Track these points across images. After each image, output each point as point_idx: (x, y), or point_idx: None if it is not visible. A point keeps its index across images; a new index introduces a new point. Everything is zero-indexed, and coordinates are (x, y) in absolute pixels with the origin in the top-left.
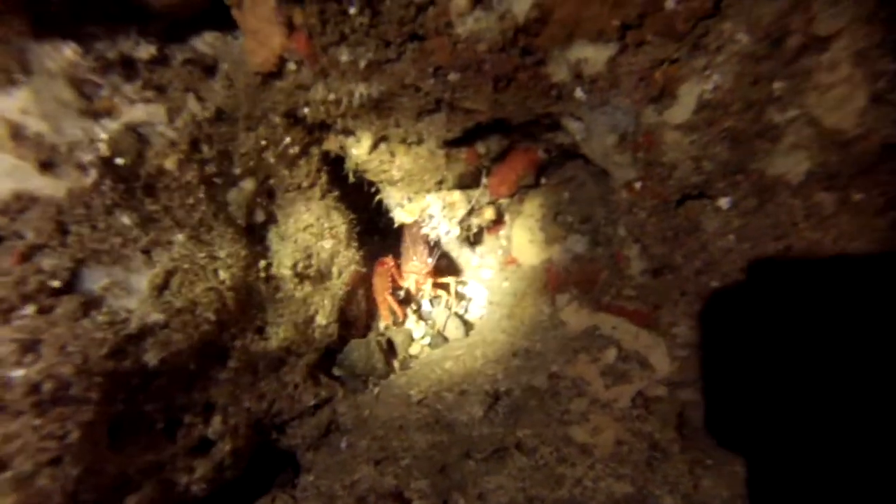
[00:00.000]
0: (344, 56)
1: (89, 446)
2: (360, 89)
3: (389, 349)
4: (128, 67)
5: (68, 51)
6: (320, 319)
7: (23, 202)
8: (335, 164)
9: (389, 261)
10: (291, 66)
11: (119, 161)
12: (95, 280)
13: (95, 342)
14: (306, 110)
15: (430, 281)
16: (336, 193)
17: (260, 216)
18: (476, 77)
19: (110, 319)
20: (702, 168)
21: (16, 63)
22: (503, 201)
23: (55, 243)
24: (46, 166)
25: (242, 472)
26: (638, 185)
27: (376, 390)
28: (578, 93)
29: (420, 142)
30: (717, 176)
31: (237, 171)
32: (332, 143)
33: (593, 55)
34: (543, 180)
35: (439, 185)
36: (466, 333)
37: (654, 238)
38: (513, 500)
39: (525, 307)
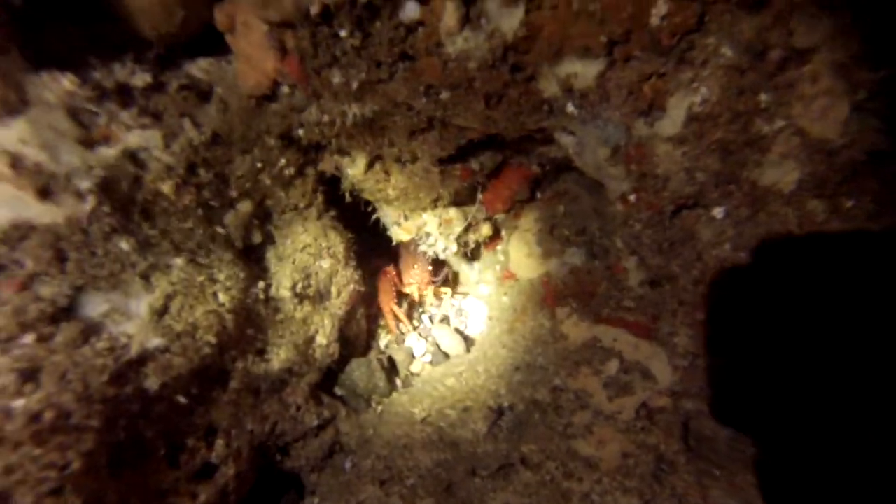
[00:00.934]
0: (336, 78)
1: (90, 475)
2: (354, 109)
3: (391, 367)
4: (124, 95)
5: (66, 81)
6: (321, 339)
7: (21, 231)
8: (331, 185)
9: (392, 270)
10: (285, 89)
11: (116, 187)
12: (95, 306)
13: (95, 369)
14: (301, 132)
15: (431, 289)
16: (333, 213)
17: (257, 237)
18: (467, 95)
19: (110, 345)
20: (694, 179)
21: (14, 94)
22: (499, 217)
23: (54, 271)
24: (44, 194)
25: (247, 496)
26: (632, 197)
27: (379, 409)
28: (570, 107)
29: (414, 160)
30: (710, 186)
31: (233, 193)
32: (327, 164)
33: (582, 70)
34: (538, 195)
35: (435, 202)
36: (467, 350)
37: (650, 249)
38: None
39: (525, 321)
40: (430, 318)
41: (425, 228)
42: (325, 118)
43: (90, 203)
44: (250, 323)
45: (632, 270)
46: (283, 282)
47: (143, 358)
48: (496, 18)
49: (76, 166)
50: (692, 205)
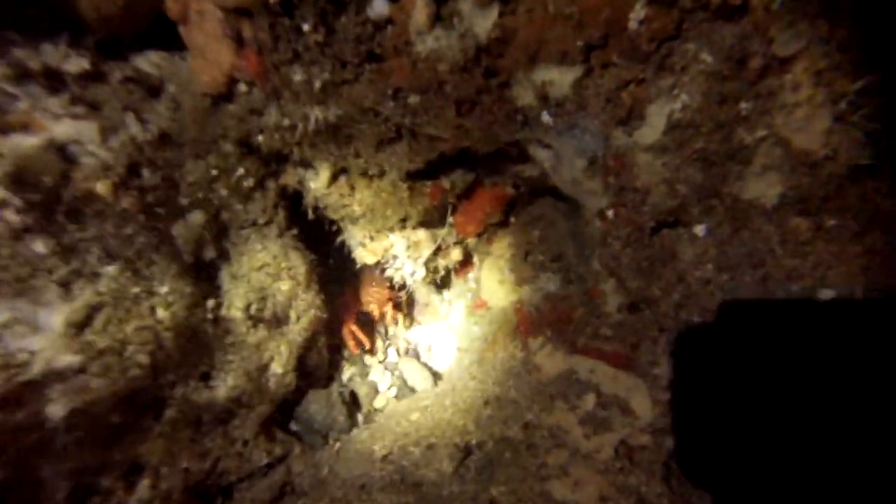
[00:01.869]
0: (297, 76)
1: None
2: (316, 113)
3: (352, 402)
4: (53, 80)
5: None
6: (276, 367)
7: None
8: (293, 201)
9: (350, 291)
10: (242, 87)
11: (33, 181)
12: None
13: None
14: (260, 138)
15: (390, 306)
16: (294, 232)
17: (210, 253)
18: (438, 99)
19: (3, 363)
20: (676, 192)
21: None
22: (471, 241)
23: None
24: None
25: None
26: (610, 213)
27: (336, 446)
28: (545, 117)
29: (382, 174)
30: (691, 200)
31: (184, 201)
32: (289, 177)
33: (559, 77)
34: (512, 219)
35: (403, 222)
36: (435, 383)
37: (629, 270)
38: None
39: (496, 351)
40: (397, 351)
41: (392, 250)
42: (286, 122)
43: None
44: (195, 344)
45: (610, 294)
46: (235, 301)
47: (48, 378)
48: (469, 18)
49: None
50: (673, 222)
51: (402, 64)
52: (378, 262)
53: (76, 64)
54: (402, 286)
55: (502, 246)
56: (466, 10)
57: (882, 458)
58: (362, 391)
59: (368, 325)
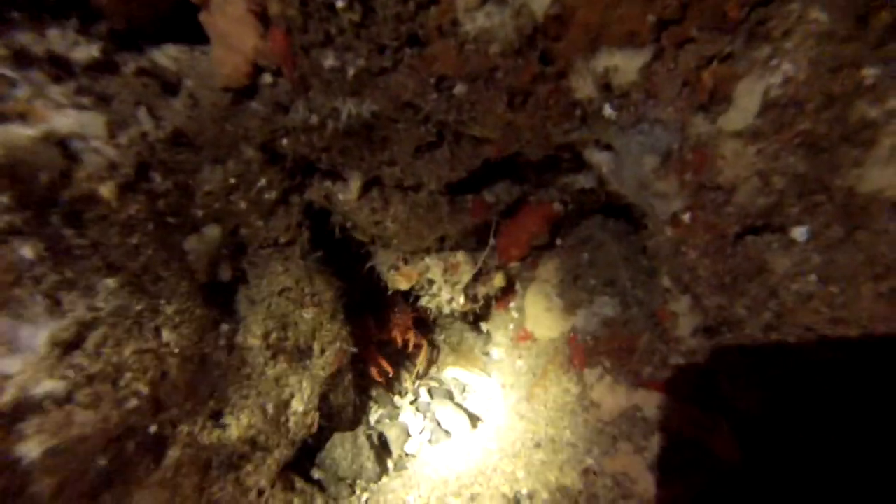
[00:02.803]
0: (329, 61)
1: None
2: (349, 107)
3: (381, 446)
4: (58, 68)
5: None
6: (297, 405)
7: None
8: (319, 219)
9: (370, 319)
10: (267, 77)
11: (27, 177)
12: None
13: None
14: (285, 142)
15: (412, 332)
16: (319, 255)
17: (226, 273)
18: (487, 90)
19: None
20: (770, 186)
21: None
22: (514, 266)
23: None
24: None
25: None
26: (686, 216)
27: (364, 498)
28: (607, 110)
29: (418, 186)
30: (790, 196)
31: (199, 212)
32: (315, 192)
33: (624, 63)
34: (558, 241)
35: (440, 242)
36: (473, 426)
37: (708, 285)
38: None
39: (546, 387)
40: (430, 392)
41: (427, 275)
42: (314, 119)
43: None
44: (205, 375)
45: (682, 315)
46: (253, 328)
47: (22, 409)
48: None
49: None
50: (763, 226)
51: (448, 47)
52: (412, 289)
53: (85, 52)
54: (437, 317)
55: (548, 270)
56: None
57: None
58: (392, 434)
59: (392, 356)
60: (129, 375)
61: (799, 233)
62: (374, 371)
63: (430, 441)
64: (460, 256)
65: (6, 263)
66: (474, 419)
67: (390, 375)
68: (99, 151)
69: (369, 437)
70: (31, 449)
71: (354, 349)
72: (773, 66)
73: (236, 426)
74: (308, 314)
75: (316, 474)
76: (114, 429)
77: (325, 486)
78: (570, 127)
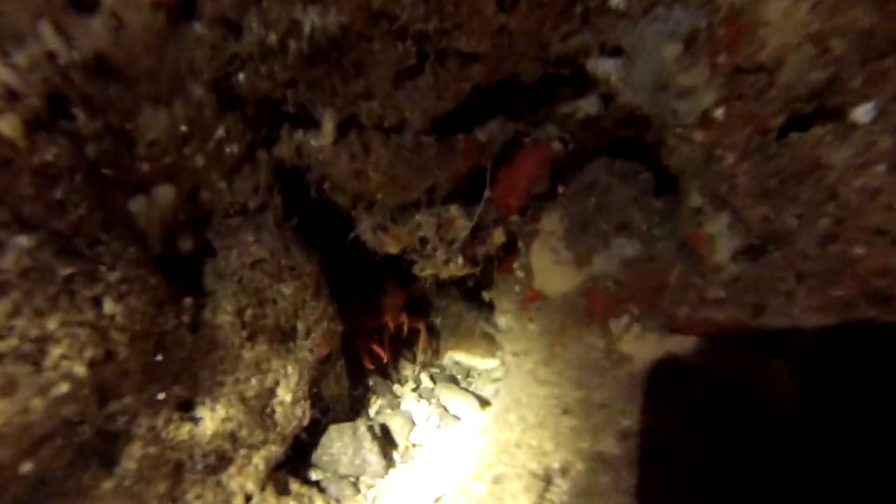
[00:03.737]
0: None
1: None
2: (312, 18)
3: (385, 438)
4: None
5: None
6: (283, 394)
7: None
8: (292, 181)
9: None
10: None
11: None
12: None
13: None
14: (241, 77)
15: (405, 315)
16: (296, 223)
17: (186, 243)
18: None
19: None
20: (828, 52)
21: None
22: (513, 220)
23: None
24: None
25: None
26: (719, 112)
27: (372, 496)
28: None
29: (402, 126)
30: (851, 65)
31: (144, 167)
32: (285, 147)
33: None
34: (560, 189)
35: (431, 194)
36: (482, 407)
37: (749, 194)
38: None
39: (567, 345)
40: (432, 378)
41: (419, 233)
42: (272, 38)
43: None
44: (166, 357)
45: (720, 236)
46: (223, 304)
47: None
48: None
49: None
50: (816, 111)
51: None
52: (404, 252)
53: None
54: (432, 292)
55: (552, 221)
56: None
57: None
58: (395, 424)
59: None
60: (56, 353)
61: (862, 112)
62: (365, 358)
63: (438, 427)
64: (454, 210)
65: None
66: (484, 402)
67: (384, 361)
68: None
69: (370, 428)
70: None
71: (341, 328)
72: None
73: (211, 419)
74: (287, 289)
75: (314, 475)
76: (40, 423)
77: (325, 486)
78: (571, 29)
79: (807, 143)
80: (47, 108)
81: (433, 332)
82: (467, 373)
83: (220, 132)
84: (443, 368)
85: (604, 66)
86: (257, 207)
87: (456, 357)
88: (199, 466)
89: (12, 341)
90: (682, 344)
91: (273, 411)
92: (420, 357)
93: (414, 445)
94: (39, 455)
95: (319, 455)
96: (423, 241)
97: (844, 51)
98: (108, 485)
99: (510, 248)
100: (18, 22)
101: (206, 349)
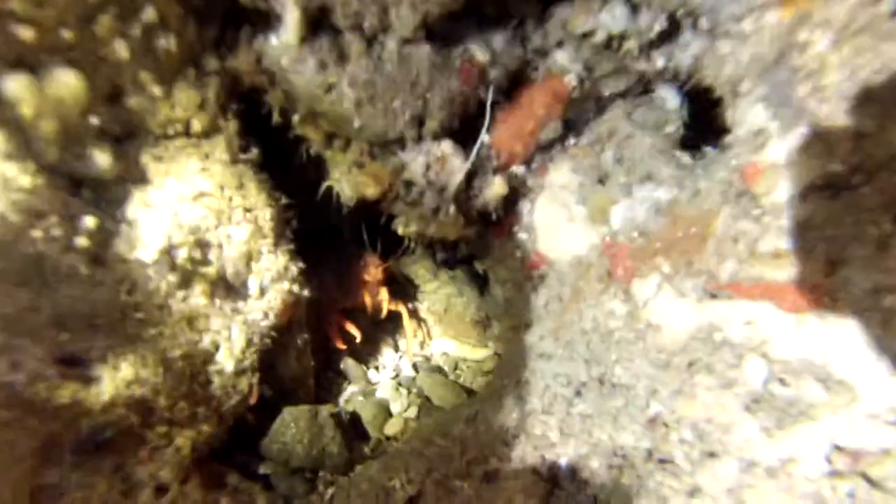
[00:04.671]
0: None
1: None
2: None
3: (352, 428)
4: None
5: None
6: (224, 360)
7: None
8: (250, 106)
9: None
10: None
11: None
12: None
13: None
14: None
15: (385, 292)
16: (255, 154)
17: (101, 158)
18: None
19: None
20: None
21: None
22: (516, 171)
23: None
24: None
25: None
26: None
27: (329, 493)
28: None
29: (386, 29)
30: None
31: (21, 32)
32: (242, 57)
33: None
34: (572, 140)
35: (419, 123)
36: (467, 394)
37: (842, 97)
38: None
39: (580, 313)
40: (415, 367)
41: (404, 175)
42: None
43: None
44: (41, 287)
45: (786, 166)
46: (146, 237)
47: None
48: None
49: None
50: None
51: None
52: (383, 199)
53: None
54: (419, 241)
55: (562, 174)
56: None
57: None
58: (367, 413)
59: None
60: None
61: None
62: (336, 337)
63: (417, 419)
64: (447, 147)
65: None
66: (471, 393)
67: (357, 341)
68: None
69: (335, 414)
70: None
71: (306, 293)
72: None
73: (112, 380)
74: (238, 234)
75: (264, 470)
76: None
77: (275, 483)
78: None
79: None
80: None
81: (418, 319)
82: (455, 364)
83: (150, 14)
84: (429, 359)
85: None
86: (206, 130)
87: (444, 344)
88: (88, 444)
89: None
90: (728, 310)
91: (208, 381)
92: (410, 342)
93: (387, 439)
94: None
95: (269, 443)
96: (409, 184)
97: None
98: None
99: (509, 208)
100: None
101: (112, 288)
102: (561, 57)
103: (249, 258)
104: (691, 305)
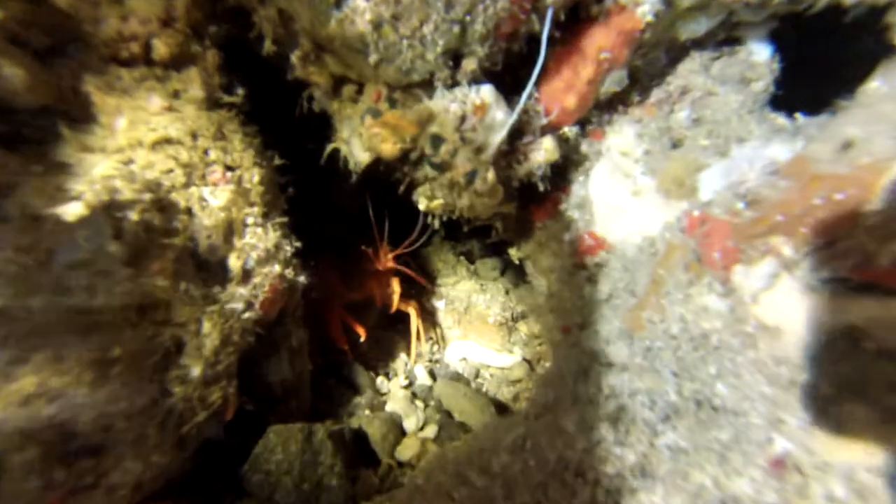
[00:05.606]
0: None
1: None
2: None
3: (356, 449)
4: None
5: None
6: (189, 362)
7: None
8: (236, 31)
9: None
10: None
11: None
12: None
13: None
14: None
15: (397, 284)
16: (240, 97)
17: (14, 76)
18: None
19: None
20: None
21: None
22: (568, 132)
23: None
24: None
25: None
26: None
27: None
28: None
29: None
30: None
31: None
32: None
33: None
34: (636, 98)
35: (454, 63)
36: (499, 412)
37: None
38: None
39: (663, 309)
40: (431, 374)
41: (431, 128)
42: None
43: None
44: None
45: None
46: (83, 190)
47: None
48: None
49: None
50: None
51: None
52: (405, 160)
53: None
54: (442, 221)
55: (625, 138)
56: None
57: None
58: (375, 431)
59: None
60: None
61: None
62: (339, 336)
63: (435, 440)
64: (487, 94)
65: None
66: (501, 408)
67: (361, 340)
68: None
69: (335, 434)
70: None
71: (304, 280)
72: None
73: (18, 385)
74: (216, 197)
75: None
76: None
77: None
78: None
79: None
80: None
81: (433, 319)
82: (477, 372)
83: None
84: (447, 365)
85: None
86: (174, 58)
87: (463, 347)
88: None
89: None
90: (883, 309)
91: (164, 391)
92: (415, 348)
93: (400, 465)
94: None
95: (249, 473)
96: (437, 141)
97: None
98: None
99: (558, 179)
100: None
101: (13, 261)
102: None
103: (229, 230)
104: (826, 301)
